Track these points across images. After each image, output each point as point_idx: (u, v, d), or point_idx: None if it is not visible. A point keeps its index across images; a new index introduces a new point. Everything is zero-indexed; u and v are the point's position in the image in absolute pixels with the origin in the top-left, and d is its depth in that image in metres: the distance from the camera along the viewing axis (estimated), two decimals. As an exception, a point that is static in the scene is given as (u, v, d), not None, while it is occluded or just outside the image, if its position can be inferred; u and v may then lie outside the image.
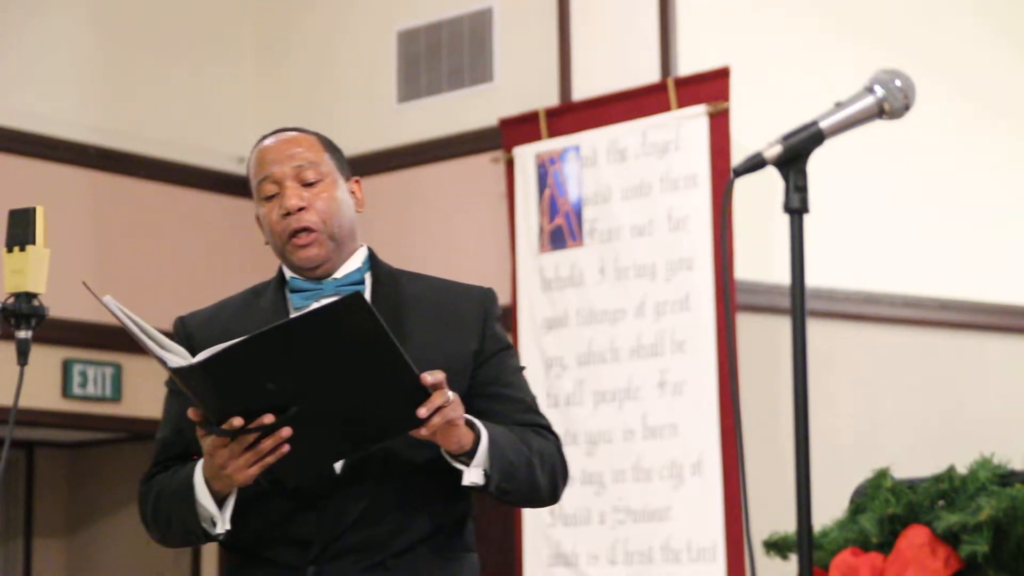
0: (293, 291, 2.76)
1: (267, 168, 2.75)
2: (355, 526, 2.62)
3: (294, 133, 2.80)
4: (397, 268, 2.84)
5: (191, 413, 2.49)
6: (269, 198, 2.74)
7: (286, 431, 2.44)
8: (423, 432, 2.48)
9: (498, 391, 2.74)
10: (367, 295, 2.73)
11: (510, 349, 2.81)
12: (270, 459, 2.47)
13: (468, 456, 2.59)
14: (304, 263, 2.73)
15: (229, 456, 2.47)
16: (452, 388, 2.59)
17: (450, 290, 2.81)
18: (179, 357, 2.44)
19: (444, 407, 2.48)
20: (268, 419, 2.43)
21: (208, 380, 2.40)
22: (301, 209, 2.71)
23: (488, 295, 2.82)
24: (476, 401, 2.71)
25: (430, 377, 2.46)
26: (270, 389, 2.42)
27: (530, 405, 2.78)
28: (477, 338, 2.74)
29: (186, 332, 2.79)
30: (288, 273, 2.78)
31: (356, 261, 2.78)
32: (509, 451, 2.63)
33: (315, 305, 2.65)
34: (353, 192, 2.80)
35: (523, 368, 2.84)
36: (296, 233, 2.71)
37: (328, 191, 2.74)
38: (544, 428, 2.78)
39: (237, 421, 2.43)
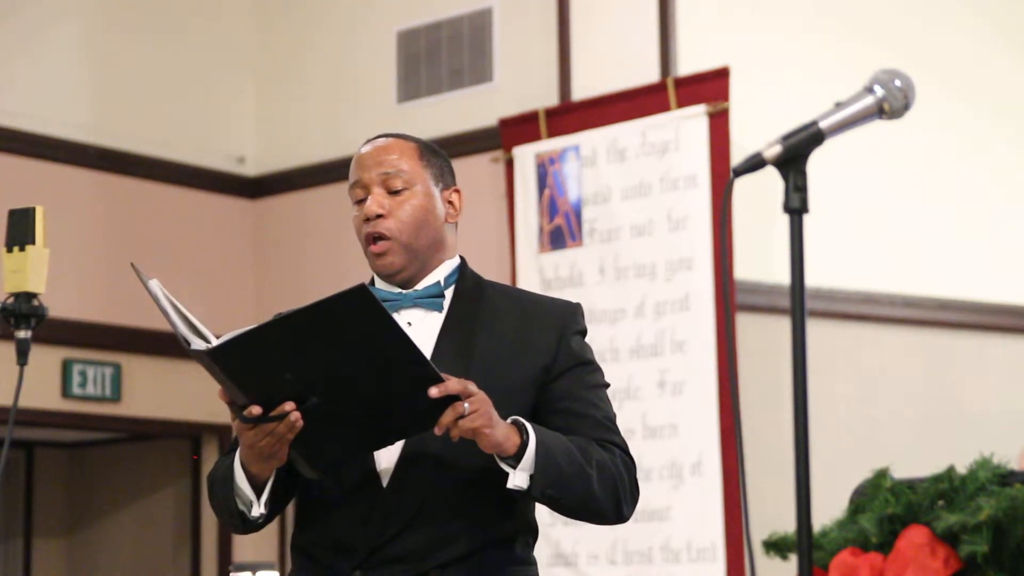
0: None
1: (358, 173, 2.77)
2: (400, 535, 2.63)
3: (390, 140, 2.81)
4: (490, 280, 2.83)
5: (220, 395, 2.52)
6: (358, 203, 2.76)
7: (295, 416, 2.46)
8: (437, 431, 2.48)
9: (568, 406, 2.71)
10: (446, 306, 2.74)
11: (589, 365, 2.78)
12: (290, 436, 2.49)
13: (517, 460, 2.57)
14: (379, 270, 2.75)
15: (254, 438, 2.50)
16: (515, 404, 2.61)
17: (535, 304, 2.81)
18: (203, 341, 2.47)
19: (461, 404, 2.47)
20: (288, 407, 2.45)
21: (224, 366, 2.44)
22: (380, 216, 2.72)
23: (570, 309, 2.81)
24: (547, 416, 2.69)
25: (435, 390, 2.45)
26: (287, 379, 2.44)
27: (601, 422, 2.74)
28: (550, 353, 2.73)
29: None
30: (377, 281, 2.79)
31: (441, 273, 2.77)
32: (560, 458, 2.60)
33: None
34: (451, 202, 2.79)
35: (605, 385, 2.80)
36: (374, 240, 2.72)
37: (412, 200, 2.73)
38: (615, 444, 2.74)
39: (256, 409, 2.46)
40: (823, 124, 2.19)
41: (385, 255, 2.73)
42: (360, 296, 2.39)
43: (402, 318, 2.70)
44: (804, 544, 2.11)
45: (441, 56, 7.95)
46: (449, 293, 2.77)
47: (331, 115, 8.29)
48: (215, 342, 2.44)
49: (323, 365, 2.44)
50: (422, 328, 2.71)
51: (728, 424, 6.60)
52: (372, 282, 2.80)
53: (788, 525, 3.51)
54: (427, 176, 2.77)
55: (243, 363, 2.44)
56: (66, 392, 8.03)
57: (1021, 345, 7.74)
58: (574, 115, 7.29)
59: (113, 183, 8.22)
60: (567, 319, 2.79)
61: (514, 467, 2.57)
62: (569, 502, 2.66)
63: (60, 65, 8.17)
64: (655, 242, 6.93)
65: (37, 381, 7.54)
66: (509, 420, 2.58)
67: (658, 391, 6.84)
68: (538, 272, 7.27)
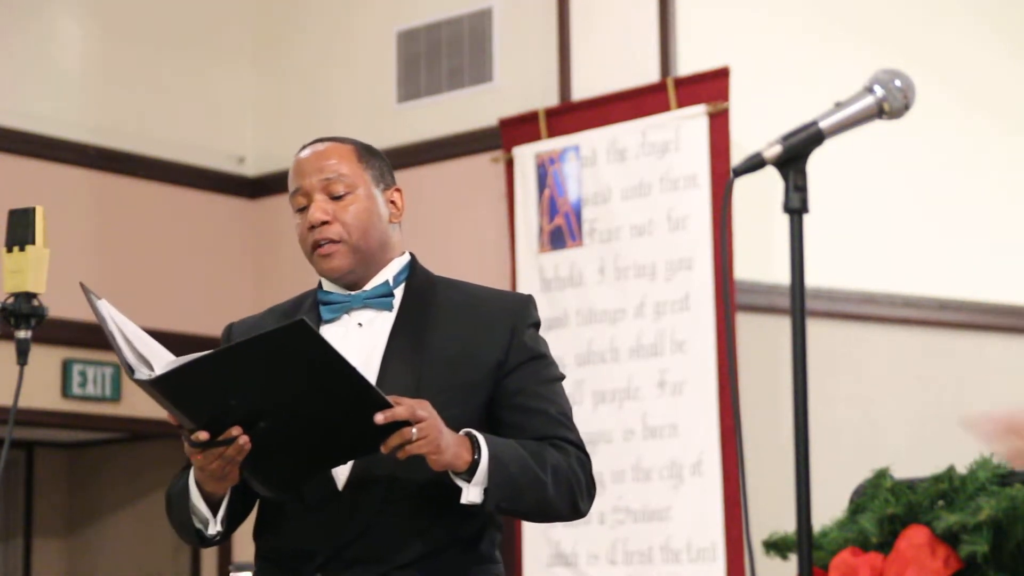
0: (322, 303, 2.76)
1: (298, 180, 2.76)
2: (360, 538, 2.63)
3: (328, 144, 2.79)
4: (440, 276, 2.83)
5: (169, 418, 2.52)
6: (300, 210, 2.76)
7: (244, 440, 2.47)
8: (383, 451, 2.48)
9: (522, 402, 2.71)
10: (396, 305, 2.74)
11: (542, 359, 2.76)
12: (239, 458, 2.50)
13: (470, 474, 2.57)
14: (328, 274, 2.75)
15: (204, 461, 2.51)
16: (470, 402, 2.62)
17: (487, 298, 2.79)
18: (148, 370, 2.47)
19: (409, 429, 2.47)
20: (236, 431, 2.46)
21: (167, 394, 2.45)
22: (326, 223, 2.71)
23: (522, 302, 2.79)
24: (501, 412, 2.70)
25: (381, 416, 2.44)
26: (233, 404, 2.45)
27: (555, 417, 2.73)
28: (503, 347, 2.71)
29: (231, 339, 2.82)
30: (324, 284, 2.79)
31: (390, 272, 2.77)
32: (514, 469, 2.59)
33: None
34: (392, 202, 2.79)
35: (559, 379, 2.78)
36: (319, 244, 2.72)
37: (356, 203, 2.73)
38: (568, 442, 2.73)
39: (203, 435, 2.47)
40: (823, 124, 2.19)
41: (332, 257, 2.72)
42: (301, 331, 2.39)
43: (352, 319, 2.71)
44: (804, 544, 2.11)
45: (441, 56, 7.95)
46: (399, 292, 2.76)
47: (331, 115, 8.29)
48: (157, 371, 2.43)
49: (269, 393, 2.45)
50: (373, 328, 2.70)
51: (728, 424, 6.60)
52: (320, 285, 2.80)
53: (788, 525, 3.51)
54: (368, 178, 2.76)
55: (188, 391, 2.44)
56: (66, 392, 8.03)
57: (1021, 345, 7.74)
58: (574, 115, 7.28)
59: (113, 183, 8.21)
60: (520, 313, 2.76)
61: (468, 481, 2.57)
62: (525, 511, 2.67)
63: (60, 65, 8.16)
64: (655, 242, 6.93)
65: (37, 381, 7.54)
66: (462, 432, 2.58)
67: (658, 391, 6.84)
68: (538, 272, 7.26)
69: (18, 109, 7.94)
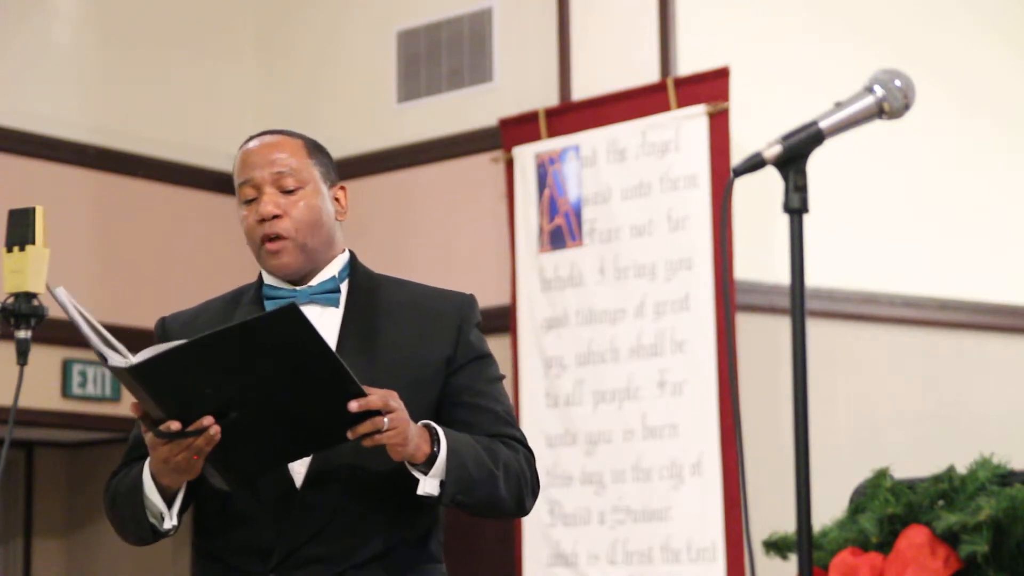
0: (267, 298, 2.76)
1: (247, 172, 2.77)
2: (316, 537, 2.63)
3: (279, 137, 2.79)
4: (381, 274, 2.83)
5: (132, 409, 2.51)
6: (248, 202, 2.76)
7: (215, 430, 2.45)
8: (350, 436, 2.48)
9: (470, 400, 2.73)
10: (342, 302, 2.74)
11: (487, 358, 2.78)
12: (207, 449, 2.48)
13: (428, 465, 2.58)
14: (275, 271, 2.74)
15: (169, 453, 2.49)
16: (421, 398, 2.62)
17: (431, 297, 2.80)
18: (120, 356, 2.45)
19: (380, 418, 2.47)
20: (207, 422, 2.45)
21: (144, 382, 2.43)
22: (276, 216, 2.71)
23: (466, 301, 2.80)
24: (449, 410, 2.71)
25: (356, 404, 2.45)
26: (208, 393, 2.44)
27: (502, 416, 2.75)
28: (451, 345, 2.73)
29: (165, 333, 2.81)
30: (267, 278, 2.79)
31: (334, 268, 2.77)
32: (470, 463, 2.61)
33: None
34: (337, 199, 2.79)
35: (501, 378, 2.81)
36: (268, 239, 2.71)
37: (306, 199, 2.73)
38: (515, 440, 2.75)
39: (175, 425, 2.45)
40: (823, 124, 2.19)
41: (280, 254, 2.72)
42: (293, 316, 2.39)
43: None
44: (804, 544, 2.11)
45: (441, 56, 7.95)
46: (344, 288, 2.77)
47: (331, 115, 8.29)
48: (135, 359, 2.41)
49: (245, 381, 2.44)
50: (320, 324, 2.68)
51: (728, 424, 6.60)
52: (260, 277, 2.80)
53: (788, 525, 3.51)
54: (316, 174, 2.77)
55: (163, 379, 2.42)
56: (66, 392, 8.03)
57: (1021, 345, 7.74)
58: (574, 115, 7.29)
59: (113, 183, 8.21)
60: (465, 312, 2.78)
61: (425, 473, 2.58)
62: (475, 504, 2.67)
63: (60, 65, 8.16)
64: (655, 242, 6.93)
65: (37, 381, 7.54)
66: (421, 424, 2.59)
67: (658, 391, 6.84)
68: (538, 272, 7.26)
69: (18, 109, 7.94)
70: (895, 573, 3.86)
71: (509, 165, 7.44)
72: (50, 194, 7.60)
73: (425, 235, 7.80)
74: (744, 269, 6.87)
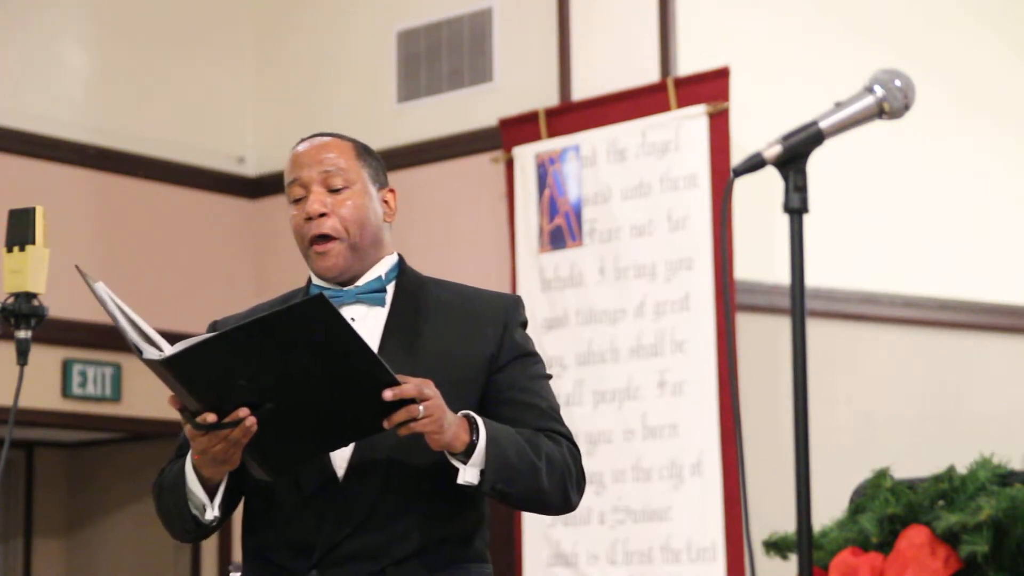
0: None
1: (296, 171, 2.79)
2: (356, 532, 2.63)
3: (328, 138, 2.82)
4: (427, 276, 2.85)
5: (170, 401, 2.52)
6: (296, 201, 2.78)
7: (251, 421, 2.47)
8: (387, 425, 2.49)
9: (515, 396, 2.73)
10: (388, 301, 2.76)
11: (532, 356, 2.80)
12: (244, 441, 2.50)
13: (467, 455, 2.58)
14: (323, 273, 2.76)
15: (207, 443, 2.50)
16: (463, 396, 2.62)
17: (477, 297, 2.82)
18: (156, 350, 2.47)
19: (415, 406, 2.48)
20: (242, 413, 2.46)
21: (178, 375, 2.44)
22: (323, 215, 2.73)
23: (512, 302, 2.83)
24: (493, 407, 2.71)
25: (390, 393, 2.46)
26: (242, 385, 2.45)
27: (547, 411, 2.76)
28: (495, 344, 2.75)
29: None
30: (315, 280, 2.80)
31: (381, 269, 2.79)
32: (511, 452, 2.61)
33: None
34: (386, 201, 2.81)
35: (547, 376, 2.82)
36: (316, 240, 2.73)
37: (354, 199, 2.75)
38: (560, 434, 2.75)
39: (210, 416, 2.47)
40: (823, 124, 2.19)
41: (327, 256, 2.74)
42: (320, 306, 2.40)
43: (345, 314, 2.70)
44: (804, 544, 2.11)
45: (441, 56, 7.95)
46: (390, 288, 2.78)
47: (331, 115, 8.28)
48: (169, 351, 2.43)
49: (279, 372, 2.46)
50: (366, 323, 2.71)
51: (728, 424, 6.59)
52: (309, 280, 2.82)
53: (788, 525, 3.52)
54: (365, 175, 2.79)
55: (198, 371, 2.44)
56: (66, 392, 8.03)
57: (1021, 345, 7.74)
58: (574, 115, 7.28)
59: (113, 183, 8.22)
60: (510, 312, 2.80)
61: (464, 463, 2.58)
62: (519, 495, 2.66)
63: (60, 65, 8.17)
64: (655, 242, 6.93)
65: (37, 381, 7.54)
66: (460, 414, 2.59)
67: (658, 391, 6.84)
68: (538, 272, 7.26)
69: (18, 109, 7.94)
70: (895, 573, 3.87)
71: (509, 165, 7.44)
72: (50, 194, 7.60)
73: (425, 235, 7.80)
74: (744, 269, 6.87)
